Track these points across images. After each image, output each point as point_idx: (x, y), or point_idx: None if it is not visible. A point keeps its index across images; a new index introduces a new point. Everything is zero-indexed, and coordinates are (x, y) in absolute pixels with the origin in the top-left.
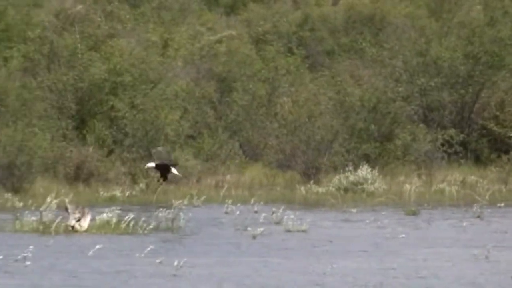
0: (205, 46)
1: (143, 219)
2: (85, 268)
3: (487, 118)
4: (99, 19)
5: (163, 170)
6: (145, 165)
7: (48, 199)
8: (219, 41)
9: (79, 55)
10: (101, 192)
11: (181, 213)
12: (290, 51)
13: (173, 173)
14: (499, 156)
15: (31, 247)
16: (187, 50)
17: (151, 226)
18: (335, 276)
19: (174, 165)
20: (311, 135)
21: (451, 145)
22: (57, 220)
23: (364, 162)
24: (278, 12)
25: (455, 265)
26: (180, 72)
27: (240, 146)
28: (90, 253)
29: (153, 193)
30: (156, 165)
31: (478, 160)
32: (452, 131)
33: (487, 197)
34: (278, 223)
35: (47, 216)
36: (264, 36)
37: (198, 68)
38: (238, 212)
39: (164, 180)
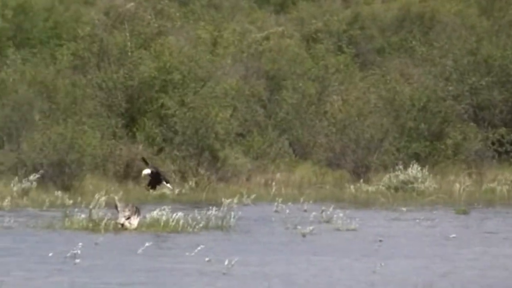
0: (252, 43)
1: (192, 217)
2: (134, 266)
3: None
4: (149, 17)
5: (155, 180)
6: (143, 172)
7: (97, 196)
8: (266, 38)
9: (129, 53)
10: (151, 190)
11: (231, 212)
12: (340, 49)
13: (165, 185)
14: None
15: (80, 244)
16: (236, 48)
17: (200, 225)
18: (385, 275)
19: (167, 182)
20: (361, 134)
21: (501, 144)
22: (107, 218)
23: (414, 161)
24: (328, 10)
25: (506, 264)
26: (229, 70)
27: (290, 144)
28: (140, 251)
29: (203, 192)
30: (151, 172)
31: None
32: (502, 130)
33: None
34: (327, 222)
35: (97, 214)
36: (315, 35)
37: (247, 66)
38: (287, 211)
39: (152, 188)
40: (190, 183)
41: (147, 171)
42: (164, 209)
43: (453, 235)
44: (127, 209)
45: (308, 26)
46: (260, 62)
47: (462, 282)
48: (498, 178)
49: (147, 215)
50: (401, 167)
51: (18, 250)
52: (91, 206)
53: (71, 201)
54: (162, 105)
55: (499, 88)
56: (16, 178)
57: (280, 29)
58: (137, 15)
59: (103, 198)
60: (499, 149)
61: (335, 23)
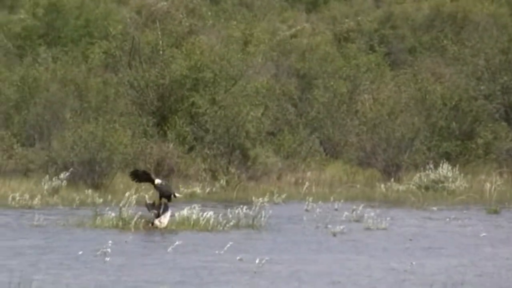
0: (281, 41)
1: (223, 216)
2: (164, 265)
3: None
4: (181, 16)
5: (163, 194)
6: (155, 179)
7: (127, 195)
8: (294, 35)
9: (161, 52)
10: (181, 189)
11: (261, 211)
12: (371, 48)
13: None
14: None
15: (110, 243)
16: (267, 46)
17: (231, 223)
18: (415, 274)
19: (169, 196)
20: (392, 133)
21: None
22: (137, 216)
23: (445, 160)
24: (360, 9)
25: None
26: (260, 68)
27: (321, 143)
28: (170, 249)
29: (234, 190)
30: (161, 184)
31: None
32: None
33: None
34: (358, 221)
35: (127, 212)
36: (347, 34)
37: (278, 64)
38: (318, 210)
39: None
40: (221, 181)
41: (158, 180)
42: (194, 208)
43: (484, 234)
44: (157, 208)
45: (339, 25)
46: (291, 61)
47: (493, 282)
48: None
49: (177, 214)
50: (431, 166)
51: (48, 248)
52: (121, 205)
53: (101, 200)
54: (193, 104)
55: None
56: (47, 176)
57: (307, 25)
58: (169, 13)
59: (133, 197)
60: None
61: (367, 23)
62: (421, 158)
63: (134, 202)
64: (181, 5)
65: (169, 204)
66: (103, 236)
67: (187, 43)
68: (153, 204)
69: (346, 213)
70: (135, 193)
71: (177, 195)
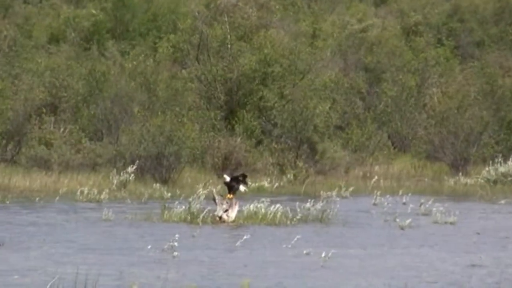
0: (350, 35)
1: (290, 210)
2: (232, 259)
3: None
4: (250, 10)
5: (231, 188)
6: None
7: (199, 190)
8: (364, 30)
9: (229, 46)
10: (249, 183)
11: (329, 204)
12: (439, 42)
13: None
14: None
15: (178, 237)
16: (335, 40)
17: (298, 217)
18: (484, 268)
19: (237, 189)
20: (460, 127)
21: None
22: (205, 211)
23: None
24: (428, 3)
25: None
26: (328, 62)
27: (389, 137)
28: (238, 243)
29: (301, 184)
30: (231, 180)
31: None
32: None
33: None
34: (426, 214)
35: (196, 207)
36: (415, 27)
37: (346, 58)
38: (386, 203)
39: (233, 194)
40: (289, 175)
41: (227, 178)
42: (262, 202)
43: None
44: (225, 202)
45: (408, 19)
46: (360, 55)
47: None
48: None
49: (245, 208)
50: (500, 159)
51: (116, 242)
52: (190, 199)
53: (169, 194)
54: (261, 98)
55: None
56: (115, 170)
57: (377, 20)
58: (237, 7)
59: (203, 192)
60: None
61: (435, 16)
62: (489, 151)
63: (203, 196)
64: None
65: (237, 198)
66: (171, 230)
67: (256, 37)
68: (221, 198)
69: (412, 205)
70: (203, 188)
71: (245, 188)
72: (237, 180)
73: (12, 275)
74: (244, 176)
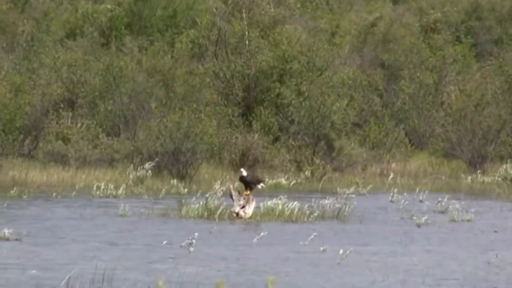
0: (362, 29)
1: (307, 206)
2: (249, 255)
3: None
4: (268, 6)
5: (248, 184)
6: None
7: (216, 186)
8: (374, 24)
9: (246, 42)
10: (266, 179)
11: (346, 201)
12: (458, 39)
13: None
14: None
15: (195, 233)
16: (353, 38)
17: (316, 214)
18: (500, 266)
19: (254, 186)
20: (478, 124)
21: None
22: (222, 207)
23: None
24: (446, 0)
25: None
26: (346, 59)
27: (406, 134)
28: (254, 240)
29: (318, 181)
30: (247, 175)
31: None
32: None
33: None
34: (443, 212)
35: (213, 203)
36: (434, 25)
37: (363, 55)
38: (403, 201)
39: (250, 190)
40: (306, 172)
41: (244, 172)
42: (280, 198)
43: None
44: (242, 198)
45: (426, 16)
46: (377, 52)
47: None
48: None
49: (262, 204)
50: None
51: (133, 238)
52: (207, 195)
53: (186, 190)
54: (279, 94)
55: None
56: (132, 166)
57: (386, 13)
58: (255, 3)
59: (221, 188)
60: None
61: (454, 14)
62: (507, 149)
63: (220, 192)
64: None
65: (255, 193)
66: (188, 226)
67: (274, 33)
68: (238, 194)
69: (429, 203)
70: (220, 184)
71: (262, 185)
72: (253, 183)
73: (29, 269)
74: (259, 182)
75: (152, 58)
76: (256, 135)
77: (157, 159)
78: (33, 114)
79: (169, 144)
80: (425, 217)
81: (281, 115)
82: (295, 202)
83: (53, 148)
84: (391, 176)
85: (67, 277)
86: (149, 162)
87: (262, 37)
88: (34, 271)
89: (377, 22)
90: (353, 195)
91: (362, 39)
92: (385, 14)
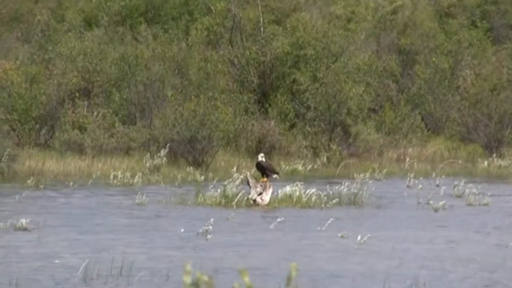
0: (381, 17)
1: (324, 193)
2: (266, 242)
3: None
4: None
5: (264, 170)
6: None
7: (235, 173)
8: (395, 12)
9: (262, 29)
10: (283, 166)
11: (363, 187)
12: (473, 24)
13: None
14: None
15: (212, 220)
16: (369, 23)
17: (333, 201)
18: None
19: (271, 173)
20: (494, 108)
21: None
22: (240, 194)
23: None
24: None
25: None
26: (361, 45)
27: (422, 119)
28: (271, 226)
29: (335, 167)
30: (264, 162)
31: None
32: None
33: None
34: (459, 196)
35: (231, 190)
36: (449, 9)
37: (379, 41)
38: (420, 186)
39: (267, 177)
40: (322, 158)
41: (261, 157)
42: (296, 185)
43: None
44: (259, 185)
45: (441, 1)
46: (392, 37)
47: None
48: None
49: (279, 191)
50: None
51: (150, 226)
52: (226, 182)
53: (202, 177)
54: (294, 81)
55: None
56: (148, 154)
57: (409, 0)
58: None
59: (239, 176)
60: None
61: None
62: None
63: (238, 180)
64: None
65: (271, 181)
66: (205, 213)
67: (290, 20)
68: (255, 181)
69: (445, 187)
70: (236, 171)
71: (276, 176)
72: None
73: (47, 258)
74: (274, 172)
75: (166, 46)
76: (272, 122)
77: (169, 144)
78: (49, 103)
79: (185, 132)
80: (442, 202)
81: (297, 101)
82: (313, 189)
83: (69, 138)
84: (407, 161)
85: (82, 266)
86: (163, 149)
87: (278, 24)
88: (57, 261)
89: (398, 10)
90: (370, 181)
91: (382, 26)
92: (406, 1)
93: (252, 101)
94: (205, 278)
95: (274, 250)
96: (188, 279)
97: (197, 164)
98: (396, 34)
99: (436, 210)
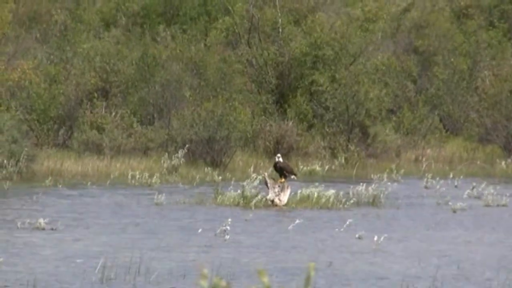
0: (394, 15)
1: (343, 193)
2: (284, 243)
3: None
4: None
5: (282, 171)
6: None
7: (253, 174)
8: (407, 10)
9: (280, 29)
10: (301, 166)
11: (381, 188)
12: (491, 24)
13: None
14: None
15: (230, 221)
16: (386, 24)
17: (351, 201)
18: None
19: (288, 174)
20: None
21: None
22: (259, 195)
23: None
24: None
25: None
26: (380, 45)
27: (441, 120)
28: (290, 227)
29: (353, 168)
30: (282, 162)
31: None
32: None
33: None
34: (478, 197)
35: (249, 191)
36: (466, 10)
37: (396, 41)
38: (438, 187)
39: (284, 178)
40: (340, 159)
41: (279, 157)
42: (315, 186)
43: None
44: (277, 186)
45: (458, 1)
46: (410, 38)
47: None
48: None
49: (297, 191)
50: None
51: (168, 226)
52: (244, 183)
53: (220, 178)
54: (313, 82)
55: None
56: (166, 154)
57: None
58: None
59: (258, 177)
60: None
61: None
62: None
63: (257, 180)
64: None
65: (289, 182)
66: (223, 214)
67: (307, 20)
68: (273, 182)
69: (466, 189)
70: (253, 172)
71: (294, 177)
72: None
73: (65, 258)
74: (292, 173)
75: (184, 47)
76: (291, 123)
77: (187, 145)
78: (67, 104)
79: (203, 132)
80: (460, 203)
81: (315, 102)
82: (331, 189)
83: (87, 138)
84: (426, 162)
85: (99, 265)
86: (181, 149)
87: (295, 24)
88: (79, 260)
89: (410, 8)
90: (388, 182)
91: (395, 25)
92: (418, 0)
93: (270, 102)
94: (223, 283)
95: (292, 251)
96: (204, 283)
97: (215, 164)
98: (411, 34)
99: (454, 211)
